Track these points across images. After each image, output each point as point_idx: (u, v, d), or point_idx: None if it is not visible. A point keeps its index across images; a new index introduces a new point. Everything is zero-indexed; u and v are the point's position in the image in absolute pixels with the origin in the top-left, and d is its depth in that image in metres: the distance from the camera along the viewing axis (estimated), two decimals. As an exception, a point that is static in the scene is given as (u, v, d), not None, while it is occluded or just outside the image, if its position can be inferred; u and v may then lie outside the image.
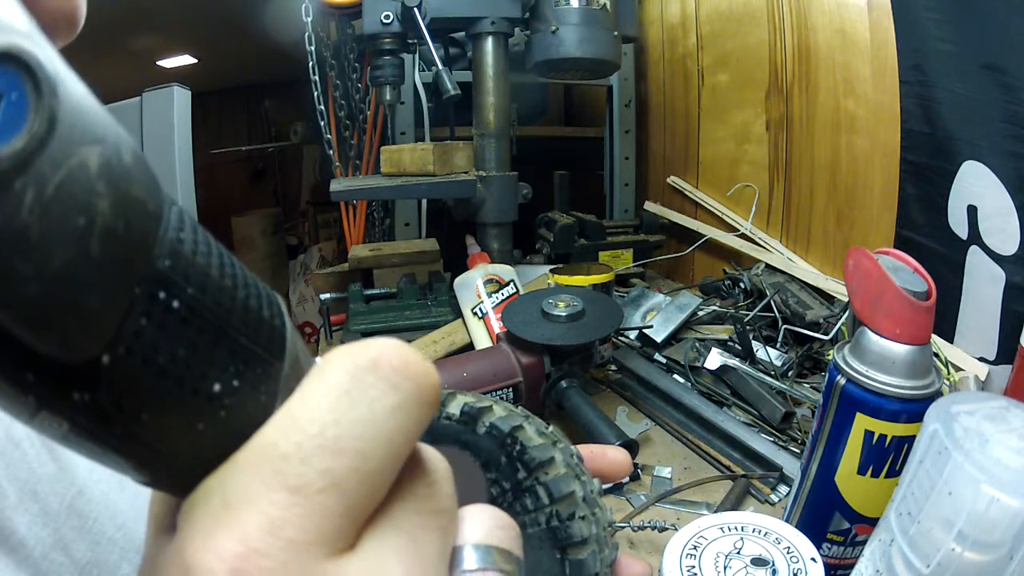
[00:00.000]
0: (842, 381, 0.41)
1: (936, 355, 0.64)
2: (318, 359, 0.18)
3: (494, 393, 0.65)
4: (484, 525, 0.16)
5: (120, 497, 0.27)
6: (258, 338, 0.14)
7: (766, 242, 1.06)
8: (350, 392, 0.14)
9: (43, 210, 0.10)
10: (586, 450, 0.23)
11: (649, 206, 1.34)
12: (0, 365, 0.11)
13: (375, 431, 0.13)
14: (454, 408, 0.20)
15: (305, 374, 0.15)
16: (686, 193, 1.26)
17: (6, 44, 0.10)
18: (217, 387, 0.13)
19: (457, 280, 0.87)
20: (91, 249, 0.11)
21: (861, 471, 0.41)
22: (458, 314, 0.87)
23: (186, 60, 2.48)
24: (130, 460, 0.12)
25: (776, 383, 0.70)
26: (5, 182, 0.09)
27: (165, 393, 0.12)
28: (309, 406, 0.13)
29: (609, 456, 0.24)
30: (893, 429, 0.40)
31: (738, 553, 0.37)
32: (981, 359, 0.67)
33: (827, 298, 0.88)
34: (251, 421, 0.13)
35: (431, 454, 0.16)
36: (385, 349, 0.14)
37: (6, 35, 0.10)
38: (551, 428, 0.21)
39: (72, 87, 0.11)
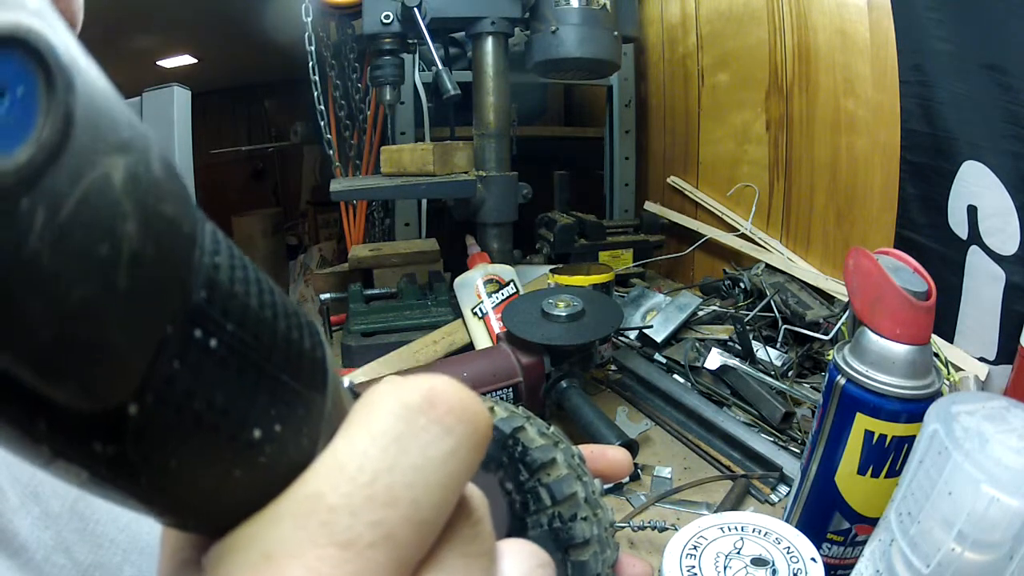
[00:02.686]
0: (842, 381, 0.41)
1: (936, 355, 0.64)
2: (346, 380, 0.17)
3: (494, 393, 0.65)
4: (524, 565, 0.16)
5: None
6: (300, 375, 0.12)
7: (766, 242, 1.06)
8: (401, 437, 0.13)
9: (57, 236, 0.08)
10: (587, 450, 0.23)
11: (649, 206, 1.34)
12: (5, 411, 0.09)
13: (428, 479, 0.13)
14: None
15: (345, 408, 0.14)
16: (686, 193, 1.26)
17: (10, 24, 0.08)
18: (257, 433, 0.11)
19: (457, 280, 0.87)
20: (116, 282, 0.09)
21: (861, 471, 0.41)
22: (458, 314, 0.87)
23: (186, 60, 2.48)
24: (156, 507, 0.11)
25: (776, 383, 0.70)
26: (8, 202, 0.08)
27: (200, 442, 0.11)
28: (357, 452, 0.12)
29: (609, 456, 0.24)
30: (893, 429, 0.40)
31: (738, 553, 0.37)
32: (981, 359, 0.67)
33: (827, 298, 0.88)
34: (293, 466, 0.12)
35: (472, 491, 0.15)
36: (438, 388, 0.13)
37: (10, 11, 0.08)
38: (552, 429, 0.21)
39: (92, 80, 0.09)
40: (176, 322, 0.10)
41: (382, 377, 0.21)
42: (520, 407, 0.22)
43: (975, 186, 0.66)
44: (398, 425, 0.13)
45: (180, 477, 0.11)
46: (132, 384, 0.10)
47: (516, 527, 0.19)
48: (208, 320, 0.10)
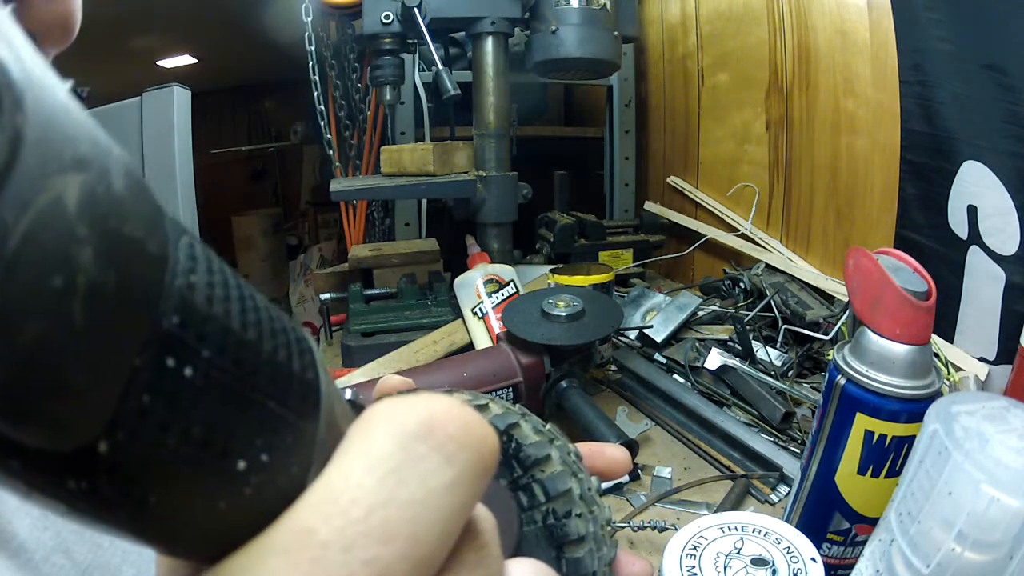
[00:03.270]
0: (842, 381, 0.41)
1: (936, 355, 0.64)
2: (348, 391, 0.17)
3: (494, 393, 0.65)
4: None
5: None
6: (288, 399, 0.11)
7: (766, 242, 1.06)
8: (400, 467, 0.12)
9: (5, 270, 0.07)
10: (584, 448, 0.23)
11: (649, 206, 1.34)
12: None
13: (428, 512, 0.12)
14: None
15: (342, 429, 0.13)
16: (686, 193, 1.26)
17: None
18: (242, 464, 0.11)
19: (457, 280, 0.87)
20: (73, 317, 0.08)
21: (861, 471, 0.41)
22: (458, 314, 0.87)
23: (186, 60, 2.48)
24: (140, 538, 0.11)
25: (776, 383, 0.70)
26: None
27: (179, 477, 0.10)
28: (352, 483, 0.12)
29: (607, 454, 0.24)
30: (893, 429, 0.40)
31: (738, 553, 0.37)
32: (981, 359, 0.67)
33: (827, 298, 0.88)
34: (283, 496, 0.12)
35: (478, 512, 0.14)
36: (439, 412, 0.13)
37: None
38: (548, 426, 0.21)
39: (47, 95, 0.08)
40: (145, 353, 0.09)
41: (379, 377, 0.20)
42: (517, 405, 0.21)
43: (975, 186, 0.66)
44: (396, 454, 0.12)
45: (160, 511, 0.10)
46: (100, 422, 0.09)
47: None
48: (182, 347, 0.10)
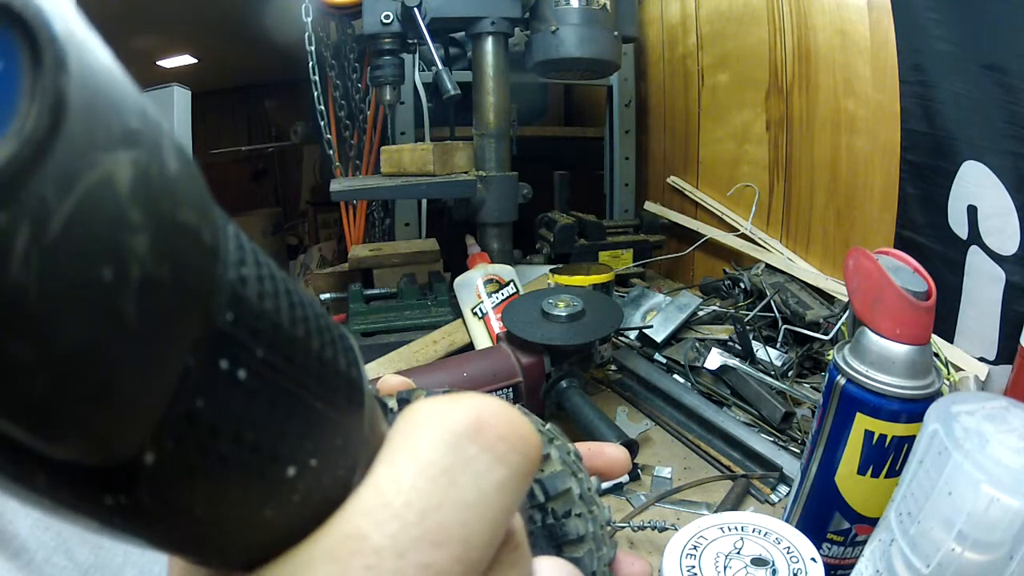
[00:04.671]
0: (842, 381, 0.41)
1: (936, 355, 0.64)
2: (389, 401, 0.16)
3: (494, 393, 0.65)
4: None
5: None
6: (336, 399, 0.11)
7: (766, 242, 1.06)
8: (451, 468, 0.11)
9: (46, 261, 0.06)
10: (584, 448, 0.23)
11: (649, 206, 1.34)
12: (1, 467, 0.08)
13: (480, 514, 0.11)
14: None
15: (381, 430, 0.12)
16: (686, 193, 1.26)
17: None
18: (292, 471, 0.10)
19: (457, 280, 0.87)
20: (124, 316, 0.07)
21: (861, 471, 0.41)
22: (458, 314, 0.87)
23: (186, 60, 2.48)
24: (176, 550, 0.10)
25: (776, 383, 0.70)
26: None
27: (226, 484, 0.09)
28: (403, 486, 0.11)
29: (607, 454, 0.24)
30: (893, 429, 0.40)
31: (738, 553, 0.37)
32: (981, 359, 0.67)
33: (827, 298, 0.88)
34: (330, 500, 0.11)
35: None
36: (486, 412, 0.12)
37: None
38: (548, 425, 0.21)
39: (93, 57, 0.07)
40: (199, 352, 0.08)
41: (379, 377, 0.20)
42: (517, 405, 0.21)
43: (975, 186, 0.66)
44: (447, 455, 0.12)
45: (203, 521, 0.09)
46: (146, 431, 0.08)
47: None
48: (236, 346, 0.09)
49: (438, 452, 0.12)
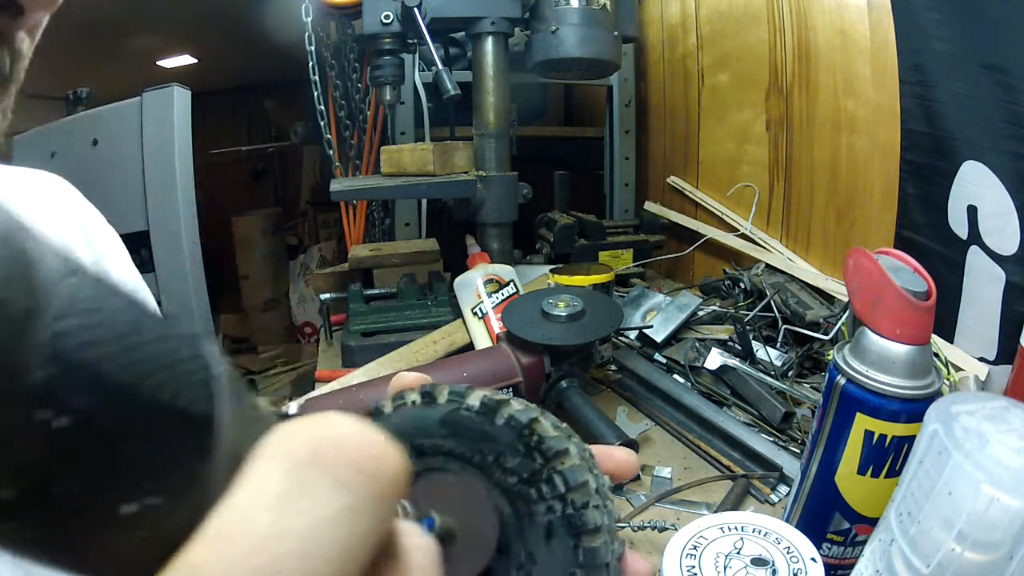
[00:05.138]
0: (842, 381, 0.41)
1: (936, 355, 0.64)
2: (293, 404, 0.16)
3: (494, 393, 0.65)
4: None
5: None
6: (171, 441, 0.11)
7: (766, 242, 1.06)
8: (287, 496, 0.11)
9: None
10: (595, 450, 0.24)
11: (649, 206, 1.34)
12: None
13: (322, 543, 0.11)
14: (474, 400, 0.21)
15: (249, 455, 0.12)
16: (686, 193, 1.26)
17: None
18: (132, 508, 0.10)
19: (457, 280, 0.87)
20: None
21: (861, 471, 0.41)
22: (458, 314, 0.87)
23: (186, 60, 2.48)
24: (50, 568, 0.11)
25: (776, 383, 0.70)
26: None
27: (62, 527, 0.10)
28: (240, 517, 0.11)
29: (617, 457, 0.25)
30: (893, 429, 0.40)
31: (738, 553, 0.37)
32: (981, 359, 0.67)
33: (827, 298, 0.88)
34: (178, 535, 0.11)
35: (409, 539, 0.13)
36: (329, 434, 0.12)
37: None
38: (564, 424, 0.22)
39: None
40: (12, 407, 0.09)
41: (379, 377, 0.20)
42: (534, 404, 0.22)
43: (975, 186, 0.66)
44: (284, 482, 0.11)
45: (61, 554, 0.10)
46: None
47: (516, 525, 0.19)
48: (53, 398, 0.09)
49: (275, 480, 0.11)
